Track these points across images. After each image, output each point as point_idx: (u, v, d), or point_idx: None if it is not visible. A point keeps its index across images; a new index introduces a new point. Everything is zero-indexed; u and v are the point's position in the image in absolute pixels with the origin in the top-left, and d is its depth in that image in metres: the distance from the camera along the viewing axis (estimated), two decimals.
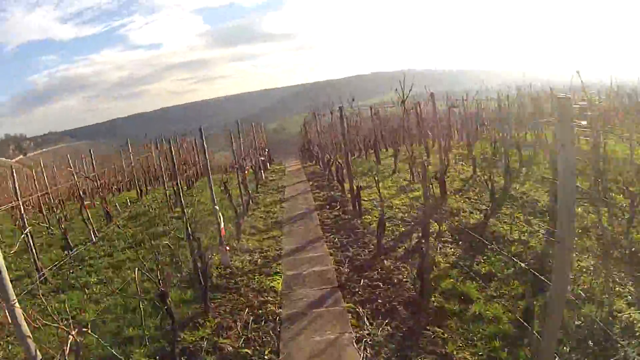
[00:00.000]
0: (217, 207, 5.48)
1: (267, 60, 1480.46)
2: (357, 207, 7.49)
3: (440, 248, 6.03)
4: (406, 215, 7.54)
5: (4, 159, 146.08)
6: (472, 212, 7.43)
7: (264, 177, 13.39)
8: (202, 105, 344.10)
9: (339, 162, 9.29)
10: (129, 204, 13.08)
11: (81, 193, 10.37)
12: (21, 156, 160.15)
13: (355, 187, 7.43)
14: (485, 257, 5.58)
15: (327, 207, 8.60)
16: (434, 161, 13.12)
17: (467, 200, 8.34)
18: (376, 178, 7.06)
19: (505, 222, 6.83)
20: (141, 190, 14.38)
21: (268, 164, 17.01)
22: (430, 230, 6.81)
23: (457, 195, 8.52)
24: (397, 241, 6.29)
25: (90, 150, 13.23)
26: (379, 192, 6.33)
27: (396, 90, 9.71)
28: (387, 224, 7.22)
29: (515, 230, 6.45)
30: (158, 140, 18.34)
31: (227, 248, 5.66)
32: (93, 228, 9.58)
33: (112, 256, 8.04)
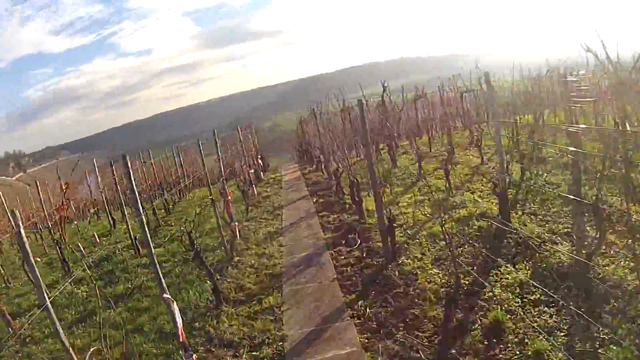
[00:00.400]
0: (168, 297, 3.17)
1: (258, 59, 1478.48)
2: (390, 246, 5.19)
3: (535, 316, 3.75)
4: (461, 251, 5.22)
5: (4, 177, 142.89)
6: (556, 242, 5.11)
7: (255, 194, 11.07)
8: (194, 109, 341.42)
9: (354, 178, 6.95)
10: (97, 240, 10.77)
11: (24, 236, 7.97)
12: (21, 173, 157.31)
13: (386, 217, 5.11)
14: (605, 332, 3.30)
15: (343, 241, 6.29)
16: (466, 157, 10.80)
17: (532, 217, 6.01)
18: (436, 207, 4.73)
19: (608, 255, 4.55)
20: (114, 220, 12.06)
21: (262, 173, 14.69)
22: (504, 280, 4.56)
23: (519, 211, 6.19)
24: (465, 309, 3.99)
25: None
26: (444, 231, 3.89)
27: (450, 80, 7.47)
28: (435, 270, 4.96)
29: (624, 270, 4.18)
30: (130, 155, 16.18)
31: (195, 358, 3.36)
32: (42, 287, 7.35)
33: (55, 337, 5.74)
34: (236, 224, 6.96)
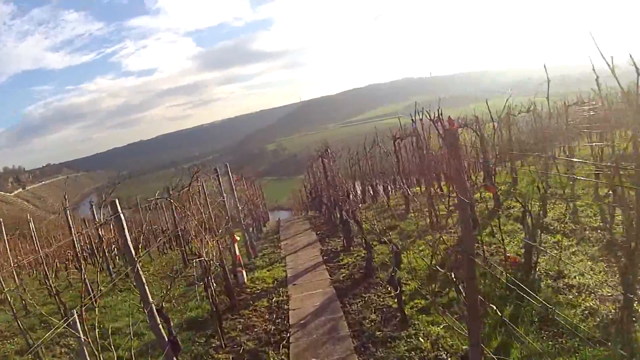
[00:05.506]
0: None
1: (261, 80, 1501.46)
2: None
3: None
4: None
5: (2, 192, 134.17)
6: None
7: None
8: (198, 131, 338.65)
9: None
10: None
11: None
12: (20, 189, 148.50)
13: None
14: None
15: None
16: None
17: None
18: None
19: None
20: None
21: (244, 274, 7.09)
22: None
23: None
24: None
25: None
26: None
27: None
28: None
29: None
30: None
31: None
32: None
33: None
34: None
